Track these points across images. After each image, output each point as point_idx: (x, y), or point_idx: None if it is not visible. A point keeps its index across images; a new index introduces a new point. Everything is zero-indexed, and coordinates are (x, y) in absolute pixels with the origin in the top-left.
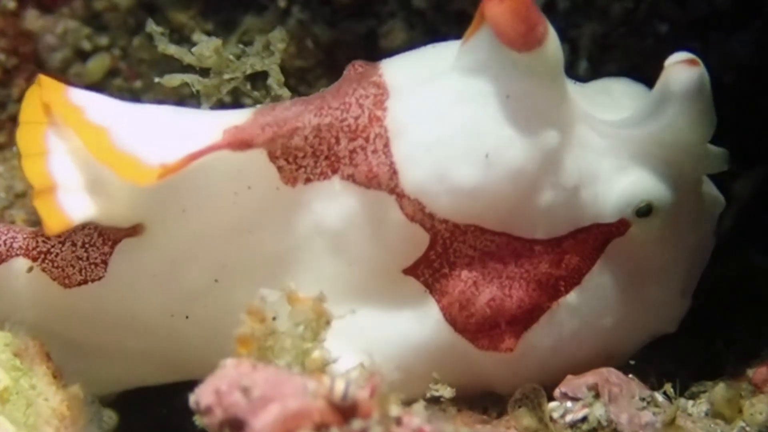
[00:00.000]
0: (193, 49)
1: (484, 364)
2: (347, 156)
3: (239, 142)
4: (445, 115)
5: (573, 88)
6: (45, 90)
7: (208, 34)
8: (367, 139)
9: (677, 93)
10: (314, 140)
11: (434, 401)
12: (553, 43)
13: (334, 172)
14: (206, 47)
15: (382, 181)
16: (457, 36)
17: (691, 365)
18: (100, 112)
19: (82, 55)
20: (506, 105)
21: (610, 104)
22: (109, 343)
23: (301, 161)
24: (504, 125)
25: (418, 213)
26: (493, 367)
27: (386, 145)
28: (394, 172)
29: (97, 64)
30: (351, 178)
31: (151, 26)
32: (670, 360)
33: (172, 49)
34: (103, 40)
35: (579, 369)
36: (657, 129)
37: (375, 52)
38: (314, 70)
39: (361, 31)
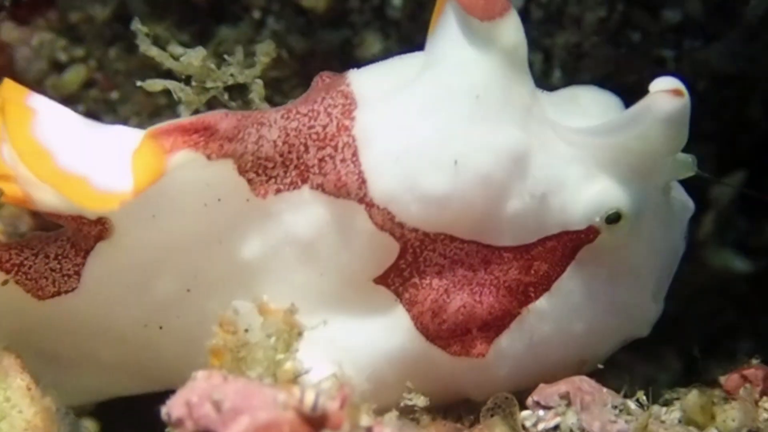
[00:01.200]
0: (182, 58)
1: (457, 370)
2: (316, 165)
3: (203, 125)
4: (412, 124)
5: (541, 96)
6: (5, 89)
7: (184, 45)
8: (335, 148)
9: (656, 118)
10: (283, 147)
11: (408, 410)
12: (513, 19)
13: (304, 181)
14: (195, 57)
15: (351, 190)
16: None
17: (666, 372)
18: (50, 126)
19: (58, 67)
20: (474, 109)
21: (577, 112)
22: (85, 354)
23: (271, 172)
24: (472, 130)
25: (388, 222)
26: (465, 373)
27: (354, 154)
28: (362, 182)
29: (73, 76)
30: (320, 187)
31: (137, 25)
32: (645, 366)
33: (154, 51)
34: (79, 52)
35: (551, 374)
36: (626, 138)
37: (350, 61)
38: (289, 80)
39: (336, 41)
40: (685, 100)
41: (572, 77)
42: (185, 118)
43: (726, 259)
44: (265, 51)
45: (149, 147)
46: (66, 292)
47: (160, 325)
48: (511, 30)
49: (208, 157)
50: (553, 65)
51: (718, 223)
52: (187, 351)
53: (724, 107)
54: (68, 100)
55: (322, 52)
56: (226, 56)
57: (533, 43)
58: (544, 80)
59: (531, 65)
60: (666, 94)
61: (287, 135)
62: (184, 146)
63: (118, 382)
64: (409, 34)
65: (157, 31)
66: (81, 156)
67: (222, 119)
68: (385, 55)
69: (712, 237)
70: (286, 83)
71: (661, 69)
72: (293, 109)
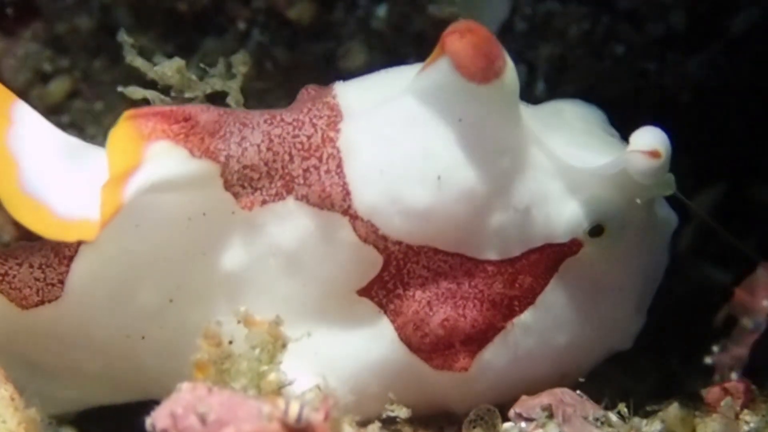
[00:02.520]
0: (156, 68)
1: (439, 383)
2: (301, 175)
3: (183, 115)
4: (397, 138)
5: (526, 110)
6: None
7: (169, 56)
8: (320, 159)
9: (634, 176)
10: (267, 154)
11: (390, 421)
12: (510, 74)
13: (289, 192)
14: (168, 67)
15: (335, 201)
16: (417, 58)
17: (648, 383)
18: (26, 139)
19: (44, 77)
20: (458, 128)
21: (561, 126)
22: (68, 363)
23: (257, 184)
24: (456, 148)
25: (371, 234)
26: (448, 387)
27: (339, 165)
28: (347, 193)
29: (58, 86)
30: (305, 198)
31: (123, 36)
32: (626, 378)
33: (139, 62)
34: (64, 63)
35: (534, 387)
36: (605, 185)
37: (334, 73)
38: (274, 91)
39: (320, 52)
40: (662, 161)
41: (556, 89)
42: (165, 106)
43: (706, 270)
44: (242, 61)
45: (126, 130)
46: (50, 301)
47: (143, 335)
48: (507, 85)
49: (191, 152)
50: (536, 77)
51: (698, 235)
52: (170, 361)
53: (706, 119)
54: (53, 110)
55: (307, 63)
56: (207, 69)
57: (517, 55)
58: (528, 92)
59: None
60: (642, 155)
61: (271, 141)
62: (164, 136)
63: (101, 392)
64: (393, 46)
65: (142, 42)
66: (48, 177)
67: (203, 111)
68: (370, 66)
69: (692, 248)
70: (271, 95)
71: (645, 81)
72: (277, 116)
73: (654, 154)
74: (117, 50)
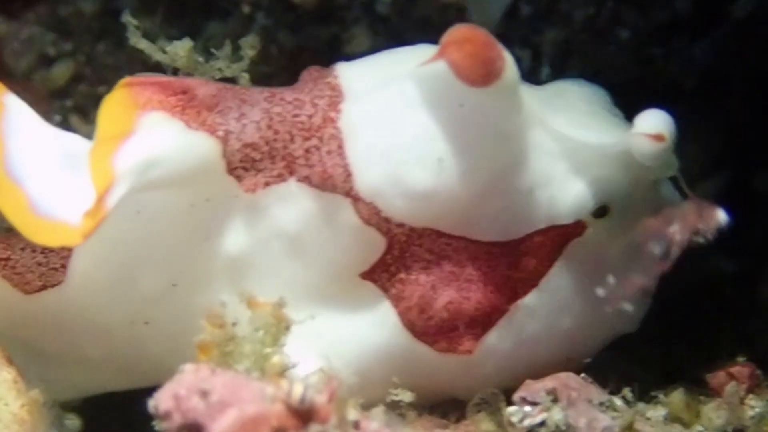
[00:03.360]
0: (167, 48)
1: (443, 366)
2: (302, 156)
3: (181, 87)
4: (399, 119)
5: (529, 91)
6: None
7: (173, 40)
8: (321, 140)
9: (637, 158)
10: (268, 132)
11: (394, 406)
12: (510, 71)
13: (291, 173)
14: (181, 47)
15: (337, 183)
16: (422, 43)
17: (652, 370)
18: (12, 126)
19: (47, 61)
20: (460, 112)
21: (565, 107)
22: (71, 349)
23: (259, 165)
24: (457, 131)
25: (374, 216)
26: (452, 370)
27: (340, 146)
28: (348, 175)
29: (62, 70)
30: (307, 180)
31: (127, 18)
32: (631, 364)
33: (143, 44)
34: (68, 46)
35: (539, 370)
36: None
37: (339, 58)
38: (279, 75)
39: (325, 37)
40: (666, 144)
41: (560, 74)
42: (164, 76)
43: (711, 259)
44: (251, 44)
45: (121, 97)
46: (52, 285)
47: (146, 321)
48: (507, 83)
49: (187, 125)
50: (541, 62)
51: None
52: (174, 346)
53: (711, 106)
54: (56, 94)
55: (311, 47)
56: (213, 50)
57: (521, 40)
58: (533, 77)
59: (519, 61)
60: (646, 138)
61: (271, 119)
62: (160, 107)
63: (105, 378)
64: (398, 31)
65: (146, 25)
66: (30, 166)
67: (201, 85)
68: (374, 51)
69: None
70: (275, 79)
71: (650, 67)
72: (278, 94)
73: (658, 137)
74: (121, 34)
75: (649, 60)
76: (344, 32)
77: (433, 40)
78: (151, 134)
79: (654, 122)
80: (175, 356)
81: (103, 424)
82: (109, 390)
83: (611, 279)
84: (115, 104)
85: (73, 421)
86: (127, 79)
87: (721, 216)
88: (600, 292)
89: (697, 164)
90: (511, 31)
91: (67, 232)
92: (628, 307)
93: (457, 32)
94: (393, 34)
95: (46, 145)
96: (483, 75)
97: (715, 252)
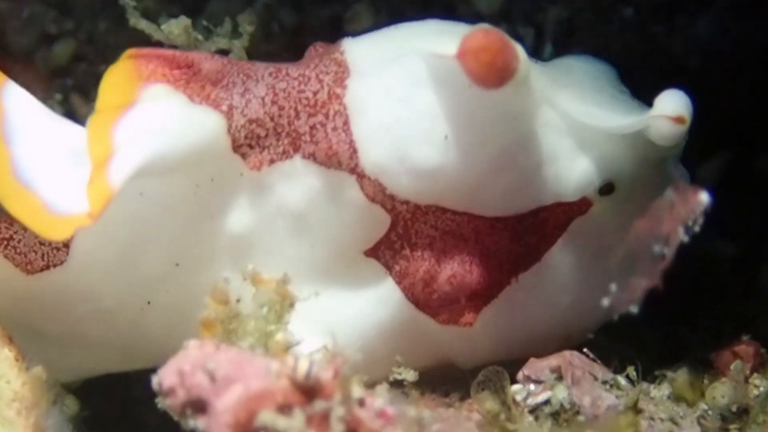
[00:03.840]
0: (163, 27)
1: (446, 338)
2: (307, 132)
3: (186, 61)
4: (405, 96)
5: (536, 69)
6: None
7: (175, 17)
8: (326, 116)
9: (654, 140)
10: (272, 108)
11: (397, 384)
12: (523, 68)
13: (296, 150)
14: (176, 25)
15: (343, 160)
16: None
17: (656, 350)
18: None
19: (48, 39)
20: (468, 91)
21: (571, 84)
22: (74, 329)
23: (264, 142)
24: (464, 108)
25: (379, 194)
26: (454, 342)
27: (346, 123)
28: (354, 151)
29: (63, 48)
30: (312, 156)
31: None
32: (633, 345)
33: (143, 24)
34: (69, 24)
35: (540, 344)
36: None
37: (340, 36)
38: (280, 54)
39: (327, 15)
40: (685, 127)
41: (563, 52)
42: (169, 50)
43: (711, 241)
44: (248, 20)
45: (125, 68)
46: (55, 265)
47: (149, 300)
48: (520, 80)
49: (190, 98)
50: (544, 40)
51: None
52: (176, 327)
53: (714, 85)
54: (57, 73)
55: (313, 26)
56: (213, 28)
57: (525, 18)
58: (536, 55)
59: (522, 40)
60: (668, 120)
61: (275, 95)
62: (164, 80)
63: (106, 359)
64: (400, 8)
65: (147, 4)
66: (37, 167)
67: (206, 59)
68: (376, 29)
69: None
70: (277, 57)
71: (653, 45)
72: (283, 70)
73: (679, 119)
74: (122, 13)
75: (652, 38)
76: (346, 10)
77: (435, 17)
78: (153, 108)
79: (675, 104)
80: (177, 337)
81: (100, 408)
82: (112, 371)
83: (614, 287)
84: (118, 75)
85: (71, 404)
86: (131, 51)
87: (705, 197)
88: (605, 302)
89: (698, 144)
90: (514, 9)
91: (81, 220)
92: (635, 309)
93: (473, 40)
94: (394, 11)
95: (51, 143)
96: (499, 81)
97: (716, 235)
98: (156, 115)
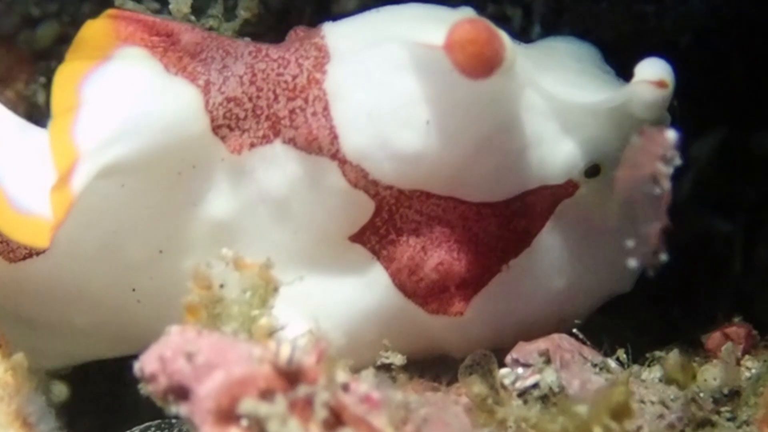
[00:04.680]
0: (171, 6)
1: (435, 328)
2: (287, 117)
3: (166, 29)
4: (386, 81)
5: (519, 52)
6: None
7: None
8: (306, 101)
9: (636, 108)
10: (250, 89)
11: (385, 368)
12: (510, 56)
13: (276, 135)
14: (184, 3)
15: (323, 145)
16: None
17: (647, 332)
18: None
19: (32, 22)
20: (450, 75)
21: (555, 65)
22: (60, 317)
23: (243, 124)
24: (446, 93)
25: (361, 179)
26: (444, 331)
27: (326, 108)
28: (334, 137)
29: (46, 31)
30: (292, 141)
31: None
32: (625, 327)
33: (130, 5)
34: (52, 7)
35: (532, 330)
36: (605, 118)
37: (326, 17)
38: (266, 35)
39: None
40: (669, 90)
41: (552, 32)
42: (150, 16)
43: (706, 219)
44: (246, 5)
45: (103, 25)
46: (37, 253)
47: (133, 287)
48: (506, 68)
49: (166, 68)
50: (533, 21)
51: (698, 183)
52: (161, 313)
53: (706, 63)
54: (41, 55)
55: (299, 7)
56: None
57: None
58: (524, 36)
59: (510, 20)
60: (650, 85)
61: (254, 75)
62: (141, 43)
63: (94, 346)
64: None
65: None
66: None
67: (186, 31)
68: (363, 11)
69: (691, 197)
70: (263, 39)
71: (643, 24)
72: (263, 50)
73: (661, 83)
74: None
75: (642, 16)
76: None
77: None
78: (126, 73)
79: (656, 69)
80: (163, 323)
81: (90, 393)
82: (99, 358)
83: (630, 242)
84: (95, 30)
85: (61, 389)
86: (112, 11)
87: (671, 134)
88: (632, 262)
89: (692, 122)
90: None
91: (42, 228)
92: (664, 257)
93: (460, 31)
94: None
95: (15, 141)
96: (487, 72)
97: (712, 211)
98: (129, 84)
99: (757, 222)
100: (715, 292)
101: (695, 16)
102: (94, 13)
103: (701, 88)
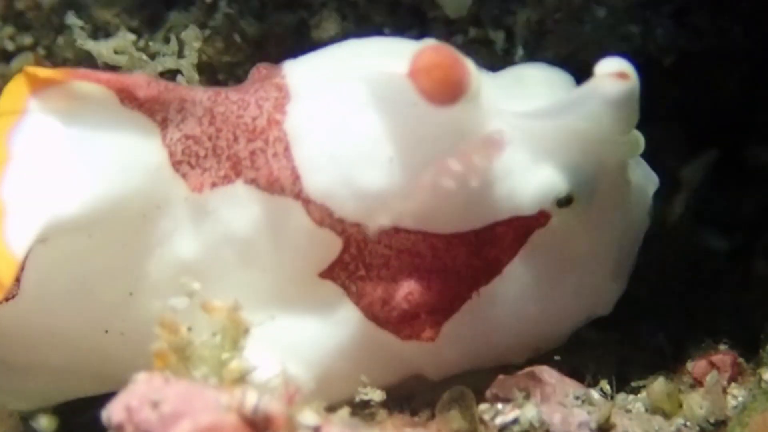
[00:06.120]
0: (99, 46)
1: (409, 353)
2: (248, 158)
3: (120, 84)
4: (347, 120)
5: (486, 80)
6: None
7: (134, 31)
8: (266, 142)
9: (602, 102)
10: (210, 129)
11: (364, 405)
12: (474, 84)
13: (237, 175)
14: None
15: (286, 186)
16: (391, 27)
17: (633, 358)
18: None
19: (6, 56)
20: (412, 110)
21: (523, 94)
22: (35, 359)
23: (204, 163)
24: (409, 129)
25: (327, 218)
26: (417, 356)
27: (287, 149)
28: (296, 178)
29: (21, 64)
30: (254, 182)
31: (72, 19)
32: (609, 353)
33: (90, 45)
34: (27, 40)
35: (507, 354)
36: (573, 120)
37: (306, 44)
38: (244, 64)
39: (292, 22)
40: (632, 83)
41: (535, 55)
42: (105, 73)
43: (702, 237)
44: (194, 36)
45: (55, 75)
46: (8, 299)
47: (106, 329)
48: (471, 96)
49: (122, 102)
50: (515, 43)
51: (692, 203)
52: (136, 352)
53: (694, 83)
54: None
55: (278, 35)
56: (161, 45)
57: (494, 21)
58: (507, 59)
59: (493, 44)
60: (611, 77)
61: (213, 117)
62: (96, 83)
63: (73, 385)
64: (367, 14)
65: (107, 17)
66: None
67: (143, 87)
68: (343, 36)
69: (686, 216)
70: (241, 68)
71: (628, 46)
72: (222, 93)
73: (623, 74)
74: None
75: (628, 38)
76: (312, 17)
77: (403, 23)
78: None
79: (615, 63)
80: (139, 361)
81: (79, 424)
82: (78, 396)
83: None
84: (43, 74)
85: (48, 423)
86: (66, 71)
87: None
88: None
89: (684, 143)
90: (483, 12)
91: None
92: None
93: (425, 57)
94: (362, 18)
95: None
96: (452, 98)
97: (707, 230)
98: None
99: (753, 236)
100: (711, 311)
101: (680, 37)
102: (68, 46)
103: (691, 108)
